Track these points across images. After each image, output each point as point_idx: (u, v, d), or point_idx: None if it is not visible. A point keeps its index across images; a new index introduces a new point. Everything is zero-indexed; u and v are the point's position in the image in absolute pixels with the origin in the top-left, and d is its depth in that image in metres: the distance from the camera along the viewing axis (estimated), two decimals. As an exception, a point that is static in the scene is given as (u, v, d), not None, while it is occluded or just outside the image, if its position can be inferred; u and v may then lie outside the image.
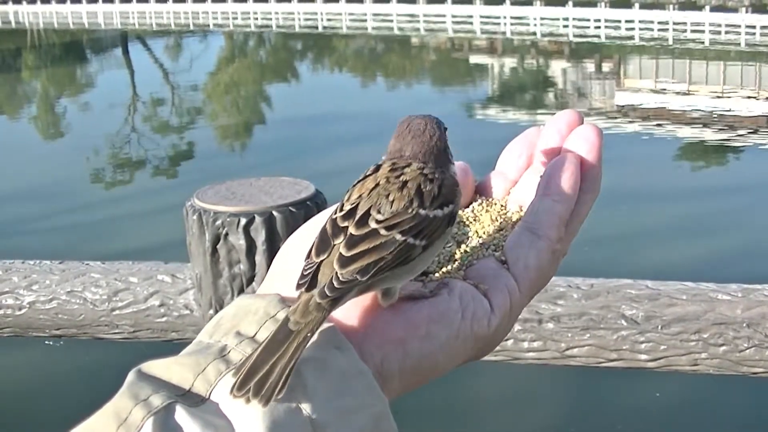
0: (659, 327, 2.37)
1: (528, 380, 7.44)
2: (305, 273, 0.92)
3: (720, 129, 20.81)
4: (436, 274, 1.04)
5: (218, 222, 2.47)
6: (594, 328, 2.41)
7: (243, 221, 2.45)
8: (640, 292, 2.42)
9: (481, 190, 1.14)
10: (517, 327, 2.44)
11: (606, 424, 7.27)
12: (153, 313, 2.76)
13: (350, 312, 0.95)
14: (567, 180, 1.02)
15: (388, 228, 0.94)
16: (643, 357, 2.41)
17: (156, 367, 0.88)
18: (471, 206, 1.12)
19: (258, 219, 2.45)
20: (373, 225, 0.94)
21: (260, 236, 2.45)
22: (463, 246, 1.08)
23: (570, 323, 2.42)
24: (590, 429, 7.25)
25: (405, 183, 0.97)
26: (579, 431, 7.24)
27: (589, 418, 7.38)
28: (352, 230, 0.94)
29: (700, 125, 21.36)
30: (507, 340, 2.46)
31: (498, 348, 2.46)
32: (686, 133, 20.45)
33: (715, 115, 22.91)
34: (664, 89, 27.56)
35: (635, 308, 2.40)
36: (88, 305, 2.82)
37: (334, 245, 0.93)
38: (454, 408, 7.48)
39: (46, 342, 7.59)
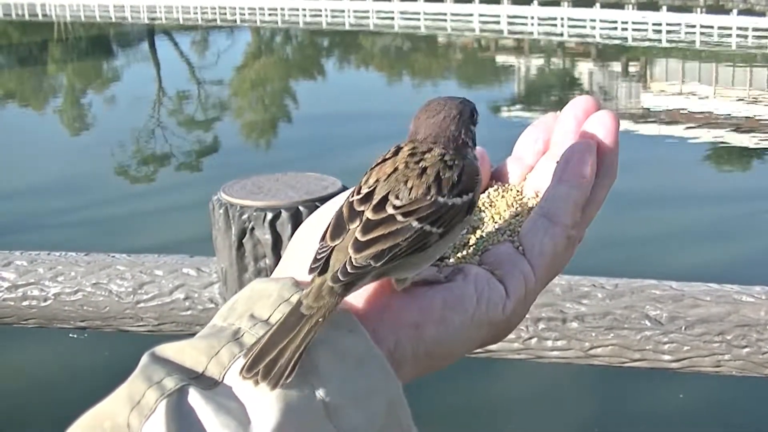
0: (683, 328, 2.37)
1: (551, 379, 7.43)
2: (318, 257, 0.92)
3: (746, 132, 20.71)
4: (451, 260, 1.04)
5: (244, 216, 2.47)
6: (618, 328, 2.41)
7: (269, 216, 2.45)
8: (664, 292, 2.42)
9: (498, 176, 1.14)
10: (541, 326, 2.44)
11: (628, 424, 7.26)
12: (178, 306, 2.77)
13: (364, 296, 0.95)
14: (583, 166, 1.02)
15: (405, 214, 0.93)
16: (667, 357, 2.40)
17: (169, 350, 0.88)
18: (487, 192, 1.11)
19: (284, 214, 2.45)
20: (390, 210, 0.94)
21: (286, 231, 2.44)
22: (478, 231, 1.08)
23: (594, 323, 2.42)
24: (613, 428, 7.24)
25: (424, 169, 0.97)
26: (601, 430, 7.23)
27: (611, 418, 7.37)
28: (368, 215, 0.94)
29: (726, 128, 21.26)
30: (531, 338, 2.46)
31: (521, 346, 2.48)
32: (712, 136, 20.37)
33: (742, 119, 22.80)
34: (691, 92, 27.45)
35: (659, 309, 2.39)
36: (113, 297, 2.83)
37: (349, 229, 0.93)
38: (476, 406, 7.48)
39: (71, 335, 7.62)
